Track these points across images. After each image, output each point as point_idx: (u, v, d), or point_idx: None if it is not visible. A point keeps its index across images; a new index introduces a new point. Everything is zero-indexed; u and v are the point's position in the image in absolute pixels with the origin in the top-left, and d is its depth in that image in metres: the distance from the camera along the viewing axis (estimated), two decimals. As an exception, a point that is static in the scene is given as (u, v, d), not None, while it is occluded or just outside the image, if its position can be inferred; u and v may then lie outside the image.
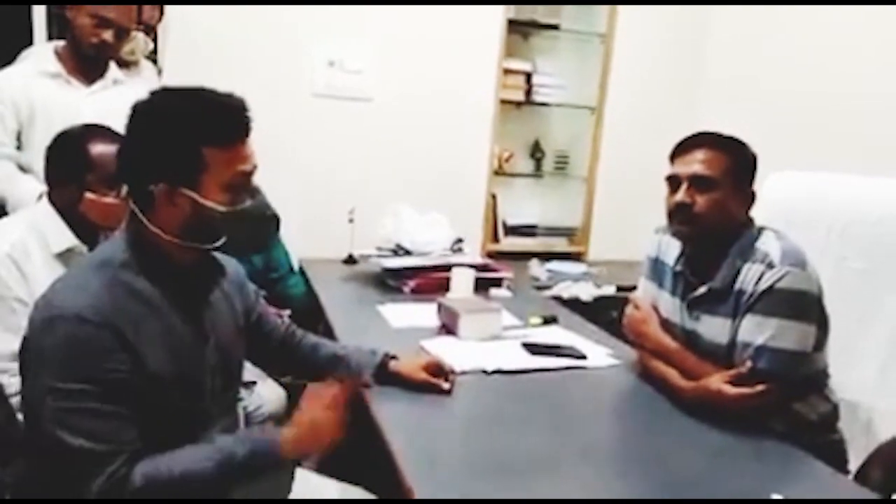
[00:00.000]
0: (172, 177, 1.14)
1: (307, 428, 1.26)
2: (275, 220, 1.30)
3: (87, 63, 2.21)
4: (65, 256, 1.58)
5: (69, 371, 1.06)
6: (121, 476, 1.07)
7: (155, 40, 2.79)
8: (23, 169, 2.17)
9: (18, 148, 2.19)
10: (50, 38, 2.60)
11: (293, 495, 1.42)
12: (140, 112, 1.17)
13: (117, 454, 1.07)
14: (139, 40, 2.61)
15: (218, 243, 1.23)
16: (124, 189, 1.22)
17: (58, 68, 2.18)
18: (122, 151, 1.21)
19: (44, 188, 1.68)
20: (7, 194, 2.11)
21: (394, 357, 1.62)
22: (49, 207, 1.62)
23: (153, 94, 1.18)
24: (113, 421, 1.08)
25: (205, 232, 1.20)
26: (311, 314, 2.42)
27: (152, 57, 2.78)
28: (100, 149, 1.56)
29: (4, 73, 2.20)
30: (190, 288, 1.25)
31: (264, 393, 2.06)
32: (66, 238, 1.60)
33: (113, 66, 2.29)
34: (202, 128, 1.14)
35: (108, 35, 2.13)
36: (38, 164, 1.70)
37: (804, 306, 1.48)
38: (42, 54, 2.25)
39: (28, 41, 2.59)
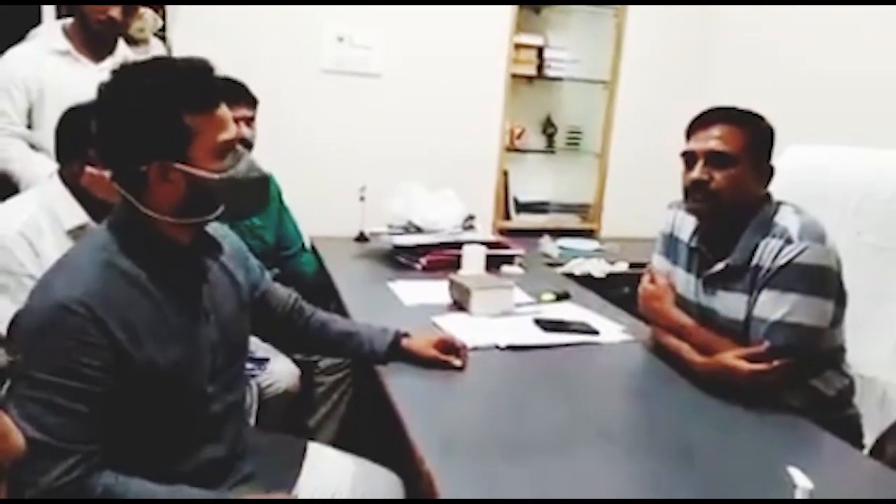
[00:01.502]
0: (162, 153, 1.11)
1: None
2: (267, 181, 1.29)
3: (95, 40, 2.20)
4: (76, 234, 1.59)
5: (42, 360, 1.04)
6: (73, 479, 1.03)
7: (164, 17, 2.77)
8: (34, 147, 2.18)
9: (29, 126, 2.20)
10: (59, 16, 2.59)
11: (307, 468, 1.43)
12: (110, 94, 1.12)
13: (71, 454, 1.04)
14: (148, 18, 2.60)
15: (216, 214, 1.19)
16: (108, 173, 1.18)
17: (67, 46, 2.18)
18: (101, 137, 1.16)
19: (55, 166, 1.68)
20: (19, 172, 2.12)
21: (405, 334, 1.61)
22: (60, 185, 1.63)
23: (116, 73, 1.13)
24: (73, 418, 1.04)
25: (203, 204, 1.17)
26: (323, 291, 2.42)
27: (161, 34, 2.77)
28: None
29: (14, 52, 2.20)
30: (186, 267, 1.22)
31: (277, 369, 2.06)
32: (77, 215, 1.60)
33: (122, 43, 2.29)
34: (179, 96, 1.11)
35: (115, 12, 2.13)
36: (49, 142, 1.71)
37: (823, 282, 1.46)
38: (51, 32, 2.25)
39: (37, 19, 2.58)
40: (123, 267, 1.12)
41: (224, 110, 1.16)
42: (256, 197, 1.30)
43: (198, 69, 1.15)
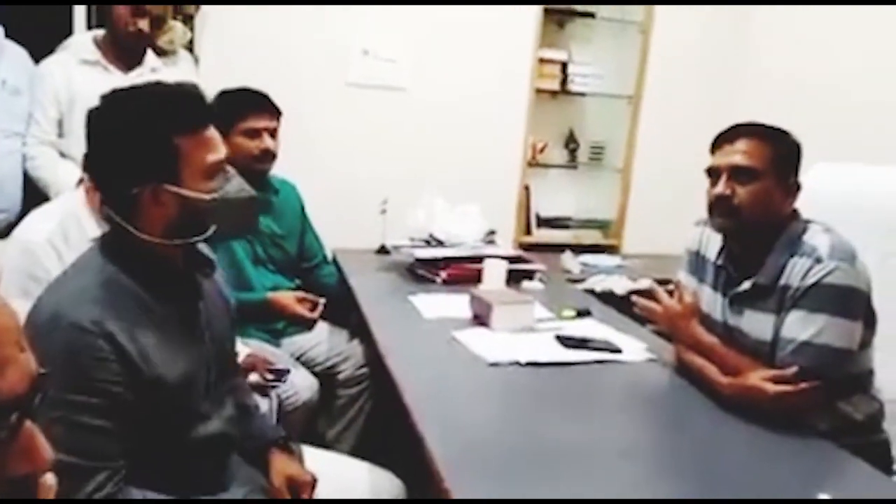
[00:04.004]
0: (153, 175, 1.12)
1: None
2: (256, 201, 1.31)
3: (124, 51, 2.24)
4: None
5: (61, 380, 1.01)
6: (104, 496, 1.05)
7: (193, 30, 2.81)
8: (63, 155, 2.22)
9: (60, 135, 2.23)
10: (90, 27, 2.63)
11: (325, 474, 1.42)
12: (100, 118, 1.14)
13: (98, 471, 1.05)
14: (178, 30, 2.64)
15: (206, 234, 1.20)
16: (98, 197, 1.20)
17: (97, 56, 2.22)
18: (92, 161, 1.18)
19: (82, 173, 1.70)
20: (49, 180, 2.17)
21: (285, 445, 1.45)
22: (85, 193, 1.65)
23: (105, 99, 1.15)
24: (97, 436, 1.05)
25: (193, 225, 1.18)
26: (344, 304, 2.43)
27: (190, 47, 2.80)
28: None
29: (46, 64, 2.25)
30: (182, 284, 1.23)
31: (297, 381, 2.07)
32: (101, 224, 1.62)
33: (150, 53, 2.32)
34: (169, 118, 1.12)
35: (144, 24, 2.17)
36: (78, 150, 1.73)
37: (852, 303, 1.43)
38: (81, 43, 2.30)
39: (68, 31, 2.63)
40: (125, 285, 1.13)
41: (213, 132, 1.17)
42: (245, 217, 1.31)
43: (185, 92, 1.17)
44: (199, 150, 1.15)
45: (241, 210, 1.26)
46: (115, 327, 1.07)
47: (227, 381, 1.35)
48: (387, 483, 1.55)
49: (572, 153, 3.57)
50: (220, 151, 1.18)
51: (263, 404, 1.84)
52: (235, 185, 1.22)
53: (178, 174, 1.13)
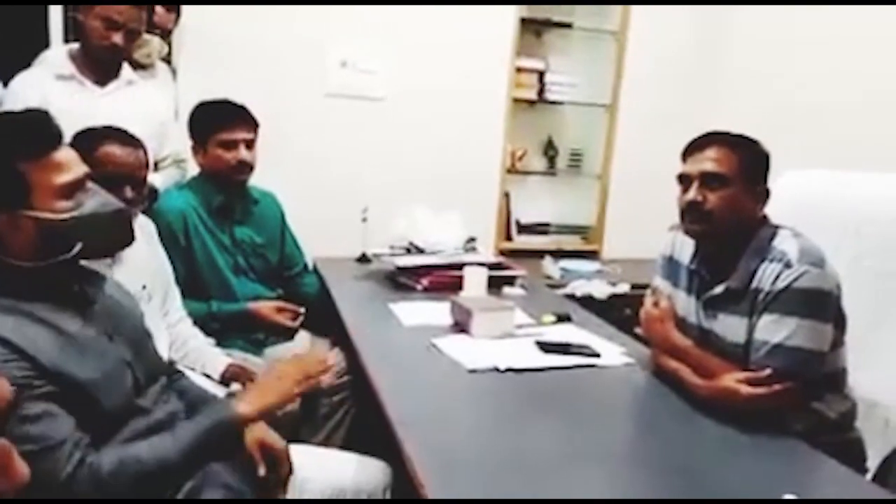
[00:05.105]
0: (5, 203, 1.14)
1: (257, 387, 1.41)
2: (123, 213, 1.31)
3: (99, 65, 2.23)
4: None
5: None
6: (80, 463, 1.11)
7: (170, 44, 2.81)
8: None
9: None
10: (66, 40, 2.62)
11: (316, 466, 1.43)
12: None
13: (62, 445, 1.10)
14: (155, 44, 2.63)
15: (74, 252, 1.21)
16: None
17: (71, 70, 2.20)
18: None
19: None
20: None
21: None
22: None
23: None
24: (44, 419, 1.10)
25: (57, 245, 1.19)
26: (325, 313, 2.43)
27: (168, 59, 2.80)
28: (107, 150, 1.62)
29: (21, 78, 2.23)
30: (71, 295, 1.26)
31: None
32: None
33: (126, 67, 2.31)
34: (11, 146, 1.14)
35: (117, 37, 2.15)
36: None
37: (822, 305, 1.46)
38: (56, 57, 2.28)
39: (45, 44, 2.62)
40: (10, 307, 1.15)
41: (63, 154, 1.19)
42: (114, 231, 1.31)
43: (29, 118, 1.20)
44: (48, 174, 1.16)
45: (108, 224, 1.26)
46: (9, 333, 1.10)
47: (163, 380, 1.40)
48: (374, 468, 1.57)
49: (551, 160, 3.61)
50: (72, 171, 1.19)
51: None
52: (97, 201, 1.23)
53: (29, 199, 1.15)
